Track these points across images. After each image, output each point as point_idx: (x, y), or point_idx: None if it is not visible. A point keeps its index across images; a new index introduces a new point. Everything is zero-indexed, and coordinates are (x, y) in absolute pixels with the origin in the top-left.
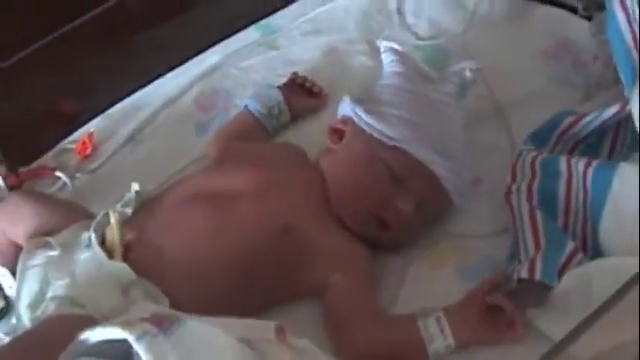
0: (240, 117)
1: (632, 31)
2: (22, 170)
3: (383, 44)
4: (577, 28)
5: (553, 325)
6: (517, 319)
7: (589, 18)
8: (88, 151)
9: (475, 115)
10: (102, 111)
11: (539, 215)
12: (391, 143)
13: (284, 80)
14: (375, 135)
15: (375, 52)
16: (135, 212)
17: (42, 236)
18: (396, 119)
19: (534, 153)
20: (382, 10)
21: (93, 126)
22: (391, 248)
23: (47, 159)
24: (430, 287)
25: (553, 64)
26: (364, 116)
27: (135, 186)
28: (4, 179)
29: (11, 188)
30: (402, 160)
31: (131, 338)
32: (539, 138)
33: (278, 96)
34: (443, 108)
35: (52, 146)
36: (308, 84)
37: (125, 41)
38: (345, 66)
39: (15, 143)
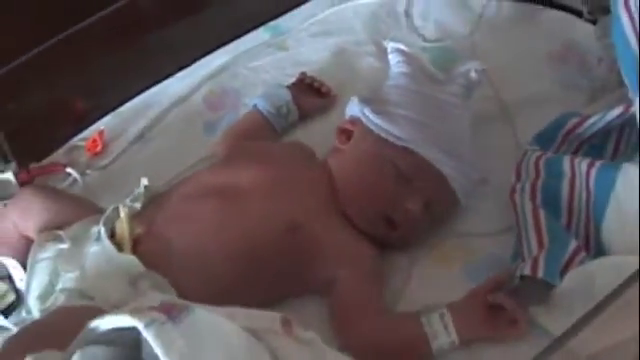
0: (249, 116)
1: (636, 34)
2: (33, 166)
3: (390, 45)
4: (582, 31)
5: (556, 323)
6: (519, 317)
7: (594, 22)
8: (98, 148)
9: (481, 116)
10: (113, 109)
11: (542, 214)
12: (399, 143)
13: (293, 80)
14: (383, 135)
15: (383, 53)
16: (144, 207)
17: (53, 230)
18: (403, 119)
19: (538, 153)
20: (390, 12)
21: (103, 124)
22: (398, 247)
23: (58, 156)
24: (435, 285)
25: (558, 67)
26: (372, 116)
27: (144, 181)
28: (15, 175)
29: (22, 184)
30: (410, 160)
31: (140, 325)
32: (544, 139)
33: (287, 95)
34: (450, 108)
35: (63, 143)
36: (316, 84)
37: (136, 41)
38: (353, 67)
39: (27, 140)
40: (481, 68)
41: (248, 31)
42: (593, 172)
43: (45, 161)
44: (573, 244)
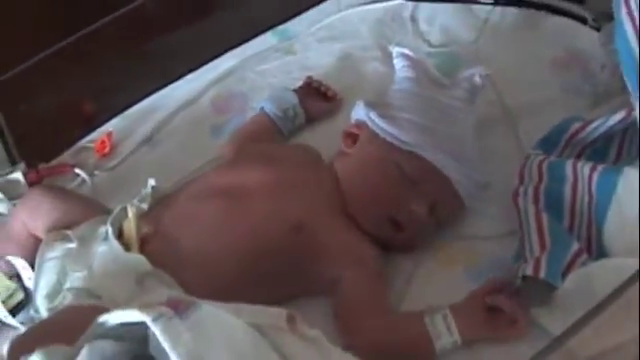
0: (256, 118)
1: (638, 39)
2: (42, 167)
3: (395, 50)
4: (586, 38)
5: (557, 324)
6: (519, 317)
7: (598, 29)
8: (106, 150)
9: (485, 120)
10: (121, 111)
11: (545, 217)
12: (404, 147)
13: (300, 84)
14: (388, 139)
15: (389, 58)
16: (151, 207)
17: (61, 229)
18: (409, 123)
19: (541, 157)
20: (396, 18)
21: (112, 126)
22: (403, 251)
23: (67, 157)
24: (438, 286)
25: (562, 73)
26: (378, 120)
27: (151, 182)
28: (25, 175)
29: (31, 184)
30: (415, 163)
31: (148, 319)
32: (547, 143)
33: (294, 99)
34: (454, 113)
35: (72, 145)
36: (323, 88)
37: (145, 44)
38: (359, 71)
39: (36, 141)
40: (485, 73)
41: (256, 35)
42: (595, 176)
43: (54, 162)
44: (575, 246)
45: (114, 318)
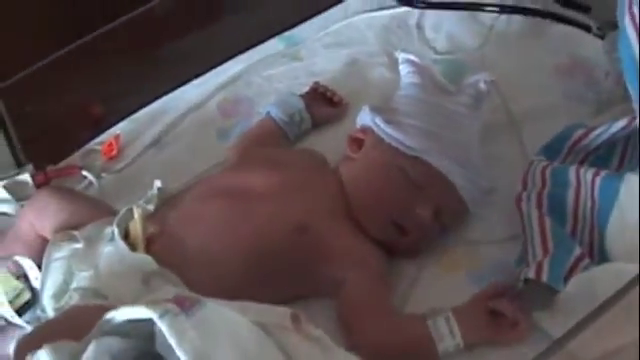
0: (262, 123)
1: None
2: (50, 168)
3: (401, 56)
4: (590, 46)
5: (559, 327)
6: (520, 321)
7: (602, 37)
8: (114, 152)
9: (490, 126)
10: (129, 115)
11: (548, 221)
12: (409, 152)
13: (306, 89)
14: (394, 144)
15: (395, 64)
16: (157, 208)
17: (68, 230)
18: (414, 129)
19: (545, 163)
20: (402, 25)
21: (119, 129)
22: (407, 255)
23: (74, 159)
24: (440, 290)
25: (566, 80)
26: (383, 125)
27: (157, 183)
28: (32, 177)
29: (39, 185)
30: (420, 168)
31: (154, 316)
32: (551, 150)
33: (300, 104)
34: (459, 118)
35: (80, 147)
36: (329, 93)
37: (153, 49)
38: (365, 77)
39: (44, 143)
40: (490, 79)
41: (263, 41)
42: (598, 181)
43: (62, 164)
44: (577, 250)
45: (121, 315)
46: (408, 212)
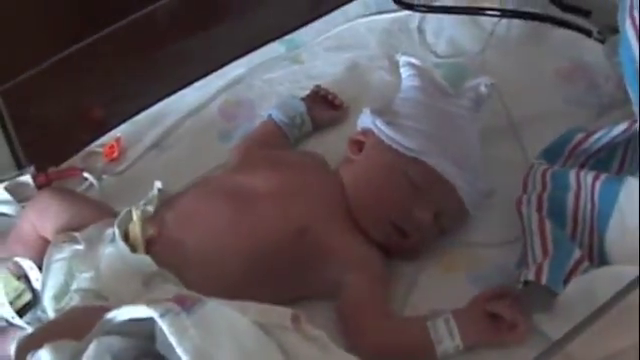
0: (264, 125)
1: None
2: (51, 170)
3: (402, 59)
4: (591, 50)
5: (558, 329)
6: (519, 323)
7: (603, 41)
8: (115, 154)
9: (490, 130)
10: (130, 117)
11: (548, 224)
12: (409, 154)
13: (307, 93)
14: (394, 146)
15: (395, 68)
16: (157, 210)
17: (69, 231)
18: (414, 131)
19: (545, 166)
20: (403, 28)
21: (121, 131)
22: (406, 257)
23: (76, 161)
24: (440, 293)
25: (567, 84)
26: (384, 128)
27: (158, 184)
28: (34, 178)
29: (40, 187)
30: (420, 171)
31: (155, 315)
32: (551, 153)
33: (301, 107)
34: (460, 121)
35: (81, 149)
36: (330, 96)
37: (155, 51)
38: (366, 81)
39: (46, 144)
40: (490, 82)
41: (264, 44)
42: (598, 185)
43: (63, 165)
44: (577, 253)
45: (122, 314)
46: (408, 214)
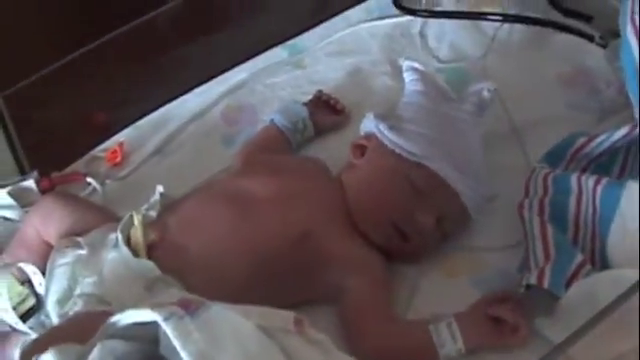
0: (266, 130)
1: None
2: (55, 175)
3: (405, 63)
4: (593, 55)
5: (560, 334)
6: (521, 326)
7: (604, 46)
8: (118, 159)
9: (493, 135)
10: (133, 122)
11: (549, 228)
12: (412, 158)
13: (309, 98)
14: (397, 150)
15: (398, 73)
16: (159, 214)
17: (72, 236)
18: (417, 135)
19: (547, 170)
20: (405, 33)
21: (124, 136)
22: (408, 261)
23: (79, 166)
24: (442, 297)
25: (569, 89)
26: (387, 132)
27: (160, 188)
28: (37, 183)
29: (44, 191)
30: (422, 175)
31: (159, 318)
32: (553, 157)
33: (303, 112)
34: (462, 126)
35: (84, 154)
36: (332, 101)
37: (158, 56)
38: (368, 86)
39: (49, 149)
40: (493, 88)
41: (266, 49)
42: (599, 189)
43: (66, 170)
44: (579, 257)
45: (126, 318)
46: (410, 218)
